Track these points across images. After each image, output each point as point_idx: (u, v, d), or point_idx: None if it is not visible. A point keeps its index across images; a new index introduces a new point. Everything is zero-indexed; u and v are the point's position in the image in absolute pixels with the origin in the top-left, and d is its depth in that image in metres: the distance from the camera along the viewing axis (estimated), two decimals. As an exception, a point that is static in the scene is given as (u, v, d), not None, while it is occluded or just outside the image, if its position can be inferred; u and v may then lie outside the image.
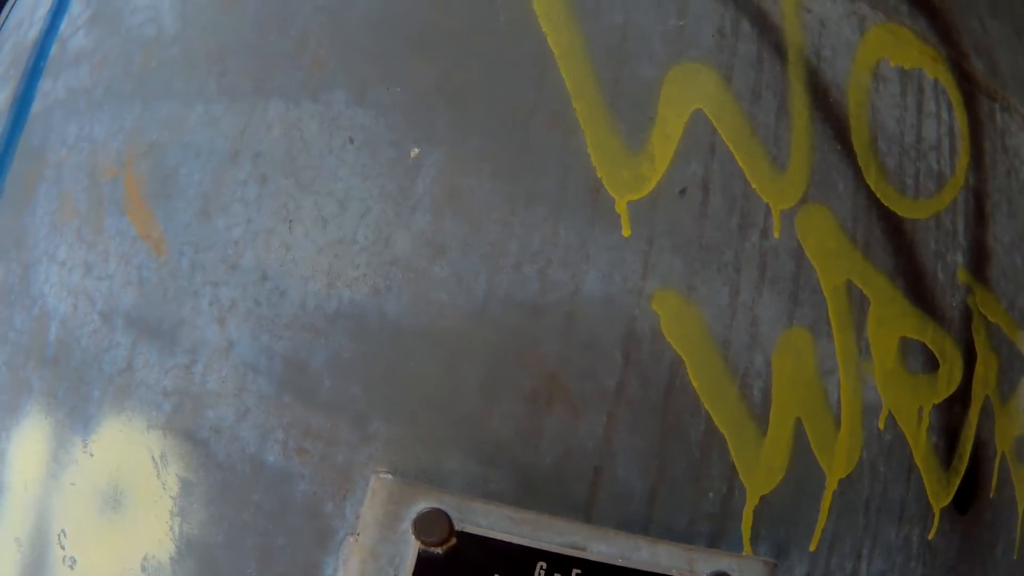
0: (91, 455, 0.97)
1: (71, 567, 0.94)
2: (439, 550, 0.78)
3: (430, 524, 0.78)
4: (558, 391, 0.87)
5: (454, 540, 0.78)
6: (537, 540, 0.79)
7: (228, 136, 1.05)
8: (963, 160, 1.06)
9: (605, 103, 0.96)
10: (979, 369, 1.01)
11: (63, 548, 0.97)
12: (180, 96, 1.11)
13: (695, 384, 0.89)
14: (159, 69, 1.14)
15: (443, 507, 0.78)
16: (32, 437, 1.03)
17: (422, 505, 0.79)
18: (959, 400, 0.99)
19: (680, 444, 0.87)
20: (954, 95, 1.09)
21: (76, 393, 1.01)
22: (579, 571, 0.80)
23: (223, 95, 1.08)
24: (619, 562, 0.81)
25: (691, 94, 0.97)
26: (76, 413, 1.00)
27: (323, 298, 0.93)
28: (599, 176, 0.93)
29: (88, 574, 0.93)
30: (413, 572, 0.78)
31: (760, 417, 0.90)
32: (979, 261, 1.04)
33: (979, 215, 1.05)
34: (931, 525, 0.97)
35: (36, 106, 1.22)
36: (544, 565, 0.79)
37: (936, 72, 1.08)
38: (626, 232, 0.92)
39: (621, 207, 0.93)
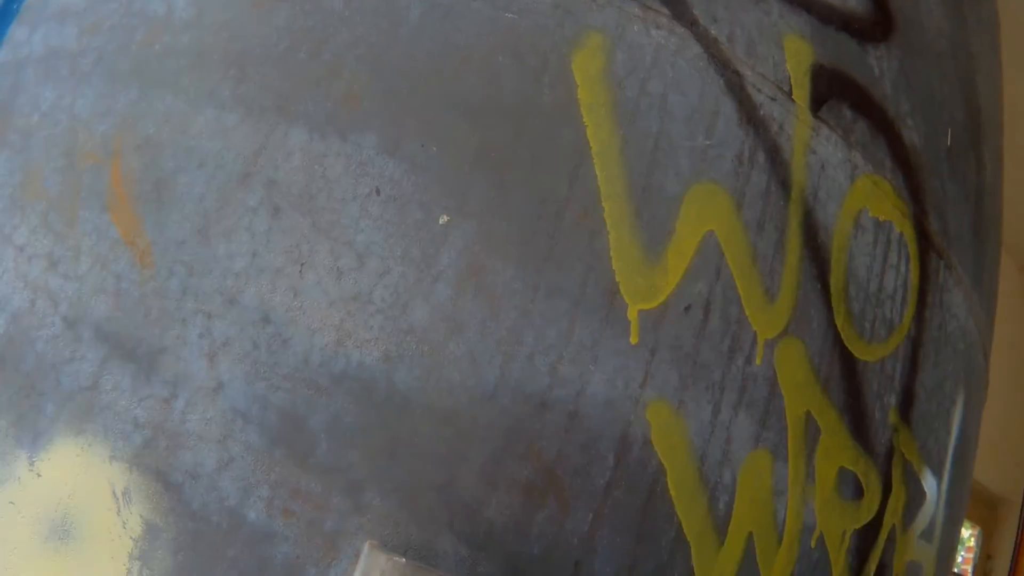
0: (38, 475, 0.89)
1: (4, 598, 0.87)
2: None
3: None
4: (553, 485, 0.91)
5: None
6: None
7: (241, 153, 0.98)
8: (910, 311, 1.21)
9: (632, 209, 1.00)
10: (892, 500, 1.16)
11: (-12, 569, 0.89)
12: (187, 92, 1.02)
13: (672, 493, 0.96)
14: (164, 55, 1.04)
15: (438, 592, 0.80)
16: (-40, 439, 0.92)
17: (418, 588, 0.80)
18: (873, 526, 1.13)
19: (652, 547, 0.94)
20: (912, 250, 1.22)
21: (26, 401, 0.92)
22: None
23: (238, 105, 1.01)
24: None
25: (707, 215, 1.03)
26: (24, 424, 0.91)
27: (330, 355, 0.90)
28: (617, 280, 0.97)
29: (25, 609, 0.86)
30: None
31: (720, 529, 0.98)
32: (906, 404, 1.19)
33: (913, 363, 1.20)
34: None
35: (3, 54, 1.08)
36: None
37: (902, 226, 1.21)
38: (634, 340, 0.97)
39: (633, 314, 0.97)
